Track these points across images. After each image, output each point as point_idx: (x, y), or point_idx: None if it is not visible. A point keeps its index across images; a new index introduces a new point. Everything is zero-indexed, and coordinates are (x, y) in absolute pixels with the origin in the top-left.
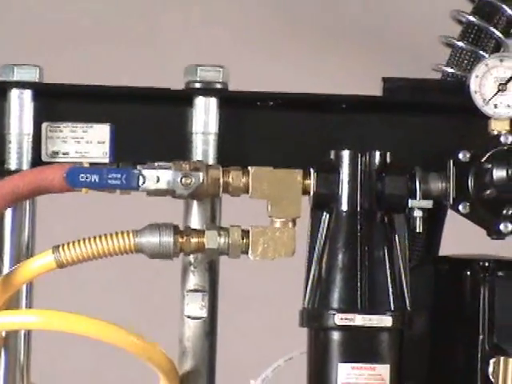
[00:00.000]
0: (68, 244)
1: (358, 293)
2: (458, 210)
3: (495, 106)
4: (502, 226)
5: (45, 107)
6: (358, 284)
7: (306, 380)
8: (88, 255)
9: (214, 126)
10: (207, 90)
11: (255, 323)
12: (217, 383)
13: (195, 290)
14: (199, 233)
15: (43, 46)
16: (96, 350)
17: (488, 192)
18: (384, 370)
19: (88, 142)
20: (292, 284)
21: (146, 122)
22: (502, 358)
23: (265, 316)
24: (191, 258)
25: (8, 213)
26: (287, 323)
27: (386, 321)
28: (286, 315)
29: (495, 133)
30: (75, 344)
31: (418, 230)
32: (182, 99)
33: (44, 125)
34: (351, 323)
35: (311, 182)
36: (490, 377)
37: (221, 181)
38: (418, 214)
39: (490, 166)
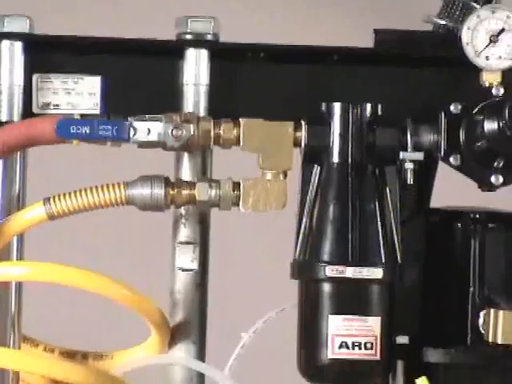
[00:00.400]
0: (59, 196)
1: (349, 245)
2: (449, 162)
3: (487, 58)
4: (493, 178)
5: (35, 58)
6: (349, 236)
7: (296, 332)
8: (79, 207)
9: (205, 78)
10: (198, 42)
11: (246, 275)
12: (208, 335)
13: (186, 243)
14: (190, 185)
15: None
16: (88, 303)
17: (479, 144)
18: (375, 322)
19: (79, 93)
20: (283, 236)
21: (137, 73)
22: (492, 310)
23: (256, 268)
24: (182, 210)
25: None
26: (278, 275)
27: (376, 273)
28: (277, 267)
29: (487, 85)
30: (66, 296)
31: (409, 182)
32: (173, 51)
33: (35, 76)
34: (342, 275)
35: (302, 134)
36: (481, 328)
37: (212, 133)
38: (409, 166)
39: (481, 118)
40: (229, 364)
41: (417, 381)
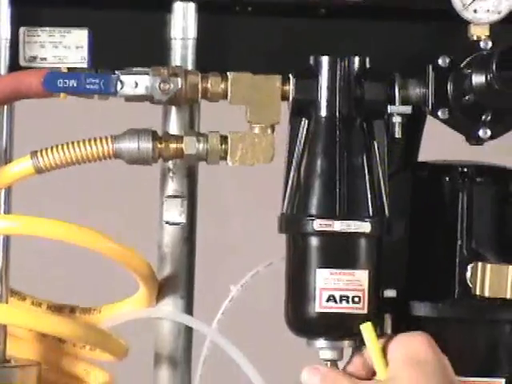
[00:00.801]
0: (46, 149)
1: (337, 199)
2: (437, 116)
3: (475, 11)
4: (480, 132)
5: (22, 12)
6: (337, 190)
7: (284, 285)
8: (66, 161)
9: (192, 32)
10: None
11: (234, 229)
12: (196, 289)
13: (174, 196)
14: (178, 138)
15: None
16: (76, 257)
17: (467, 98)
18: (362, 276)
19: (66, 46)
20: (270, 190)
21: (124, 27)
22: (479, 264)
23: (244, 222)
24: (170, 163)
25: None
26: (266, 229)
27: (364, 227)
28: (265, 221)
29: (474, 38)
30: (54, 251)
31: (396, 136)
32: (161, 4)
33: (22, 29)
34: (330, 229)
35: (290, 87)
36: (468, 282)
37: (199, 86)
38: (397, 119)
39: (469, 71)
40: (217, 318)
41: (361, 326)
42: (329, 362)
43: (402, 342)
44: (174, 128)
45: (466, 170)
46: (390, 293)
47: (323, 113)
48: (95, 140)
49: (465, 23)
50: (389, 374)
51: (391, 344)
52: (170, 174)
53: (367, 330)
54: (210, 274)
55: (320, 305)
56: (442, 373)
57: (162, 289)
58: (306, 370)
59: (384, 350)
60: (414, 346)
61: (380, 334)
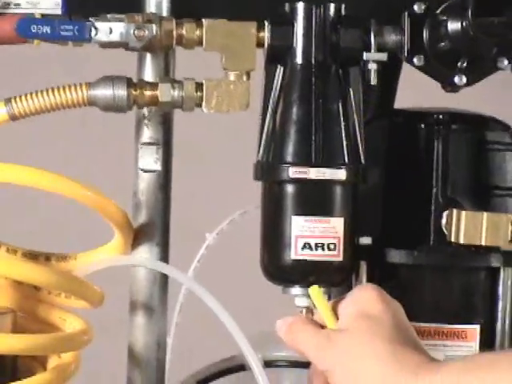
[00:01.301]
0: (20, 96)
1: (312, 146)
2: (412, 63)
3: None
4: (456, 79)
5: None
6: (312, 137)
7: (260, 233)
8: (40, 107)
9: None
10: None
11: (210, 177)
12: (172, 237)
13: (149, 143)
14: (153, 86)
15: None
16: (51, 205)
17: (443, 44)
18: (338, 223)
19: None
20: (246, 138)
21: None
22: (454, 211)
23: (220, 170)
24: (145, 111)
25: None
26: (242, 177)
27: (339, 174)
28: (241, 169)
29: None
30: (30, 199)
31: (372, 83)
32: None
33: None
34: (305, 176)
35: (265, 34)
36: (443, 229)
37: (174, 33)
38: (372, 66)
39: (444, 18)
40: (192, 265)
41: (309, 289)
42: (304, 309)
43: (352, 299)
44: (149, 75)
45: (441, 117)
46: (366, 240)
47: (299, 60)
48: (70, 87)
49: None
50: (340, 327)
51: (342, 302)
52: (145, 122)
53: (314, 292)
54: (185, 221)
55: (295, 252)
56: (394, 324)
57: (137, 236)
58: (277, 322)
59: (335, 310)
60: (364, 302)
61: (355, 281)
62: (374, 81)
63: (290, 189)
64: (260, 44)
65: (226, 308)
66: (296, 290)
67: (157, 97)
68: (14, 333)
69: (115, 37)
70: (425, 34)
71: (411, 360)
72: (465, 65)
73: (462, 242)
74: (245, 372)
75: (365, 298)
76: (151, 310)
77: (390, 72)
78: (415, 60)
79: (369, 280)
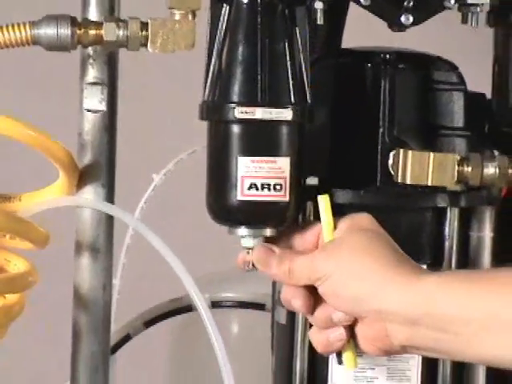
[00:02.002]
0: None
1: (258, 86)
2: (358, 2)
3: None
4: (403, 18)
5: None
6: (258, 77)
7: (206, 173)
8: None
9: None
10: None
11: (157, 117)
12: (117, 178)
13: (94, 83)
14: (97, 25)
15: None
16: None
17: None
18: (284, 163)
19: None
20: (192, 78)
21: None
22: (401, 151)
23: (167, 110)
24: (90, 50)
25: None
26: (189, 117)
27: (286, 114)
28: (187, 108)
29: None
30: None
31: (318, 22)
32: None
33: None
34: (251, 116)
35: None
36: (390, 169)
37: None
38: (318, 5)
39: None
40: (139, 206)
41: (319, 197)
42: (250, 250)
43: (348, 216)
44: (93, 14)
45: (388, 56)
46: (312, 181)
47: None
48: (13, 26)
49: None
50: (334, 238)
51: (340, 220)
52: (90, 61)
53: (324, 201)
54: (131, 162)
55: (241, 193)
56: (386, 239)
57: (82, 177)
58: (254, 255)
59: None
60: (358, 218)
61: (302, 223)
62: (320, 20)
63: (235, 129)
64: None
65: (173, 249)
66: (242, 230)
67: (101, 36)
68: None
69: None
70: None
71: (413, 265)
72: (411, 4)
73: (408, 182)
74: (192, 313)
75: (359, 216)
76: (97, 251)
77: (336, 11)
78: None
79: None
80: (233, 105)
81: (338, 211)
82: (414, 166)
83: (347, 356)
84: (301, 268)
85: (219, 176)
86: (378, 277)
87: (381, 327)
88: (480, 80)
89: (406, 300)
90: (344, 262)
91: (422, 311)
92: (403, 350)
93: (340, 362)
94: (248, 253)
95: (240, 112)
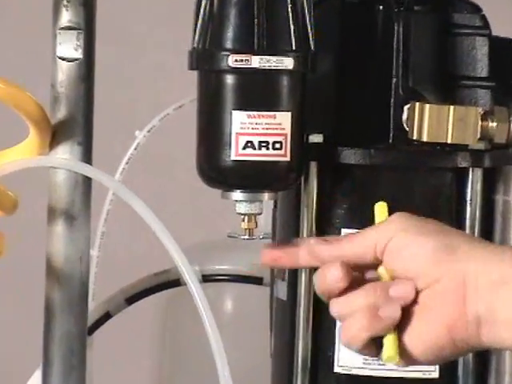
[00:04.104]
0: None
1: (255, 31)
2: None
3: None
4: None
5: None
6: (255, 21)
7: (196, 131)
8: None
9: None
10: None
11: (140, 66)
12: (95, 135)
13: (69, 28)
14: None
15: None
16: None
17: None
18: (284, 119)
19: None
20: (180, 21)
21: None
22: (417, 104)
23: (151, 58)
24: None
25: None
26: (176, 66)
27: (286, 62)
28: (175, 56)
29: None
30: None
31: None
32: None
33: None
34: (247, 65)
35: None
36: (404, 125)
37: None
38: None
39: None
40: (120, 167)
41: (376, 205)
42: (246, 217)
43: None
44: None
45: None
46: (316, 138)
47: None
48: None
49: None
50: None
51: None
52: (64, 3)
53: (381, 209)
54: (112, 117)
55: (236, 152)
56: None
57: (56, 134)
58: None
59: None
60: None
61: (304, 185)
62: None
63: (229, 79)
64: None
65: (159, 216)
66: (237, 195)
67: None
68: None
69: None
70: None
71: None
72: None
73: (425, 139)
74: (180, 288)
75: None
76: (72, 218)
77: None
78: None
79: (319, 184)
80: (226, 52)
81: (345, 173)
82: (432, 121)
83: (390, 343)
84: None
85: (211, 133)
86: (458, 235)
87: (458, 295)
88: (507, 24)
89: (493, 258)
90: (411, 220)
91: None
92: (475, 338)
93: (377, 354)
94: (243, 220)
95: (234, 60)
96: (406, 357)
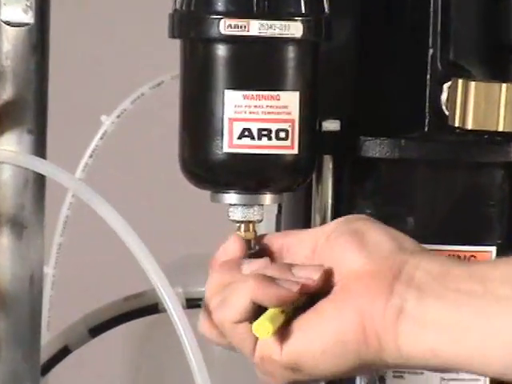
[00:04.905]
0: None
1: None
2: None
3: None
4: None
5: None
6: None
7: (178, 117)
8: None
9: None
10: None
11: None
12: (51, 121)
13: None
14: None
15: None
16: None
17: None
18: (291, 100)
19: None
20: None
21: None
22: (460, 81)
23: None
24: None
25: None
26: (153, 34)
27: (293, 29)
28: (154, 22)
29: None
30: None
31: None
32: None
33: None
34: (244, 33)
35: None
36: (443, 108)
37: None
38: None
39: None
40: (82, 162)
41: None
42: (242, 225)
43: None
44: None
45: None
46: (332, 125)
47: None
48: None
49: None
50: None
51: None
52: None
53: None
54: (72, 98)
55: (230, 142)
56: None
57: (0, 120)
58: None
59: None
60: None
61: (316, 184)
62: None
63: (221, 50)
64: None
65: (131, 223)
66: (231, 197)
67: None
68: None
69: None
70: None
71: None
72: None
73: (469, 126)
74: (158, 315)
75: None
76: (21, 226)
77: None
78: None
79: (335, 183)
80: (217, 16)
81: (368, 169)
82: (479, 104)
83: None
84: None
85: (197, 118)
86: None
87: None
88: None
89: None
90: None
91: None
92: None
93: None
94: (239, 229)
95: (228, 26)
96: (293, 348)
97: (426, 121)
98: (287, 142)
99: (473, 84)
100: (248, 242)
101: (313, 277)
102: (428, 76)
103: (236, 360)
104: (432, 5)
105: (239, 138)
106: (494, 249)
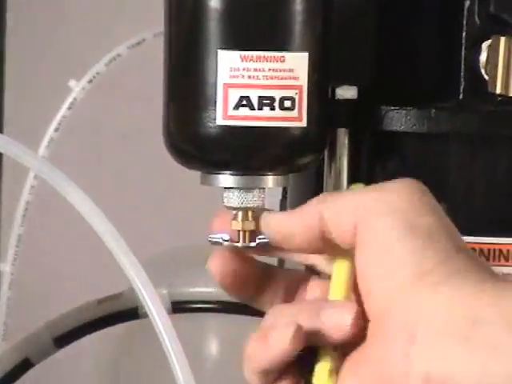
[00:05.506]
0: None
1: None
2: None
3: None
4: None
5: None
6: None
7: (163, 82)
8: None
9: None
10: None
11: None
12: (8, 93)
13: None
14: None
15: None
16: None
17: None
18: (298, 62)
19: None
20: None
21: None
22: (502, 39)
23: None
24: None
25: None
26: None
27: None
28: None
29: None
30: None
31: None
32: None
33: None
34: None
35: None
36: (482, 71)
37: None
38: None
39: None
40: (46, 137)
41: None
42: (239, 212)
43: None
44: None
45: None
46: (348, 92)
47: None
48: None
49: None
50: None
51: None
52: None
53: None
54: (33, 59)
55: (225, 113)
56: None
57: None
58: None
59: None
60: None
61: (328, 163)
62: None
63: (213, 2)
64: None
65: (105, 210)
66: (226, 179)
67: None
68: None
69: None
70: None
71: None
72: None
73: None
74: (138, 321)
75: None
76: None
77: None
78: None
79: (351, 161)
80: None
81: (391, 145)
82: None
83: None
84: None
85: (185, 85)
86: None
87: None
88: None
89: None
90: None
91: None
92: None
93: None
94: (236, 218)
95: None
96: None
97: (461, 87)
98: (293, 113)
99: None
100: (252, 232)
101: (345, 322)
102: (464, 33)
103: (230, 368)
104: None
105: (236, 107)
106: None
